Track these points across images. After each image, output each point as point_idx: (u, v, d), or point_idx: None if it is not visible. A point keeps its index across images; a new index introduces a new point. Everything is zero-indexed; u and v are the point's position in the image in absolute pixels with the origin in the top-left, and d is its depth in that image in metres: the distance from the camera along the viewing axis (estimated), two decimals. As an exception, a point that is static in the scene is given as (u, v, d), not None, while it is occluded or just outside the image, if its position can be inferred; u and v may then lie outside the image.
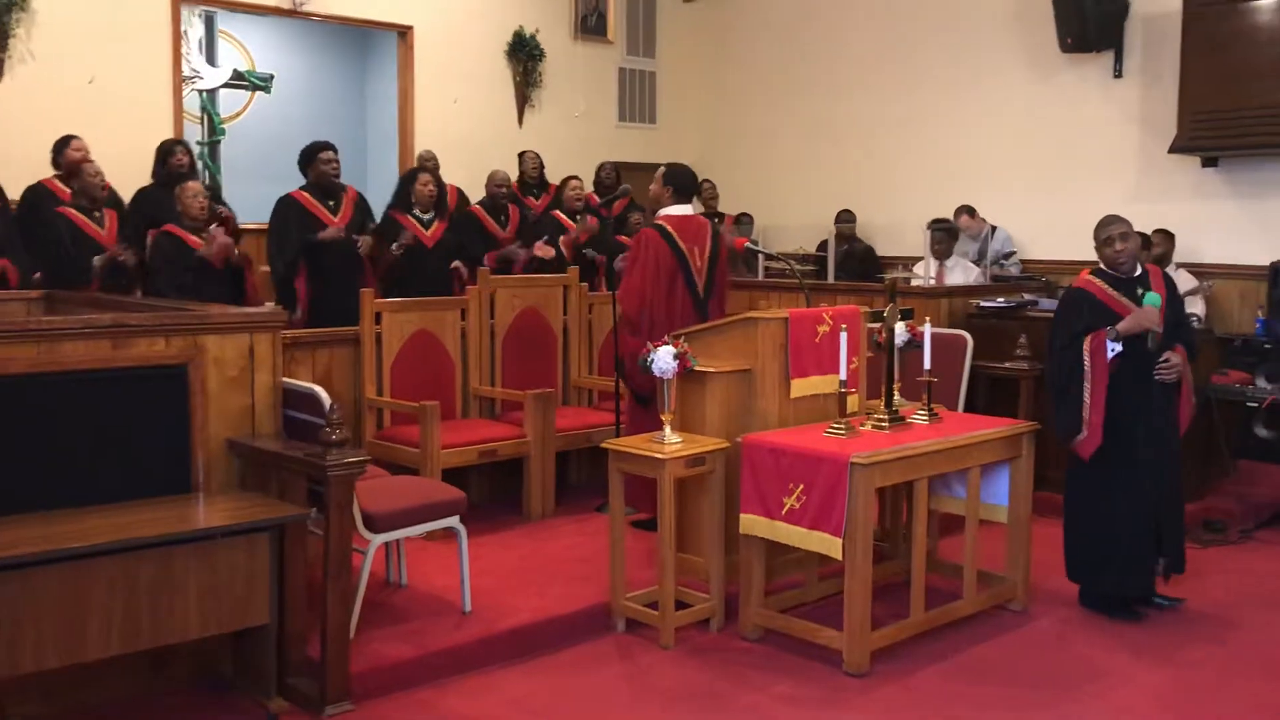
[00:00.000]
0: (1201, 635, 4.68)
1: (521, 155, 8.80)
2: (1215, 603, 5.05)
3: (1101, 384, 4.71)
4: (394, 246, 6.89)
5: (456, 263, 7.14)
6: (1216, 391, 6.34)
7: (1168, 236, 7.63)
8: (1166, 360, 4.74)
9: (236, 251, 6.36)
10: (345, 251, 6.80)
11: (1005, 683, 4.17)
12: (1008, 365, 6.62)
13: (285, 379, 4.34)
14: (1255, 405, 6.08)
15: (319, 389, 4.17)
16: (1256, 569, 5.57)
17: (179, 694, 3.97)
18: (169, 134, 7.90)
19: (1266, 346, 7.23)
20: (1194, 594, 5.10)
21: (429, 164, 8.20)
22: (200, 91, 9.31)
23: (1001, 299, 7.10)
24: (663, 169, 5.77)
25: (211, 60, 9.44)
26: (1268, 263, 7.38)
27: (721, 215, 9.50)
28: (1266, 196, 7.66)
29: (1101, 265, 4.89)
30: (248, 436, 4.15)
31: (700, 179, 9.57)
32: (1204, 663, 4.38)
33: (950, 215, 8.54)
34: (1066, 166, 8.60)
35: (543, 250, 7.46)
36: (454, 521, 4.61)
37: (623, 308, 5.57)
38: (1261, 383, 6.45)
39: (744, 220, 9.80)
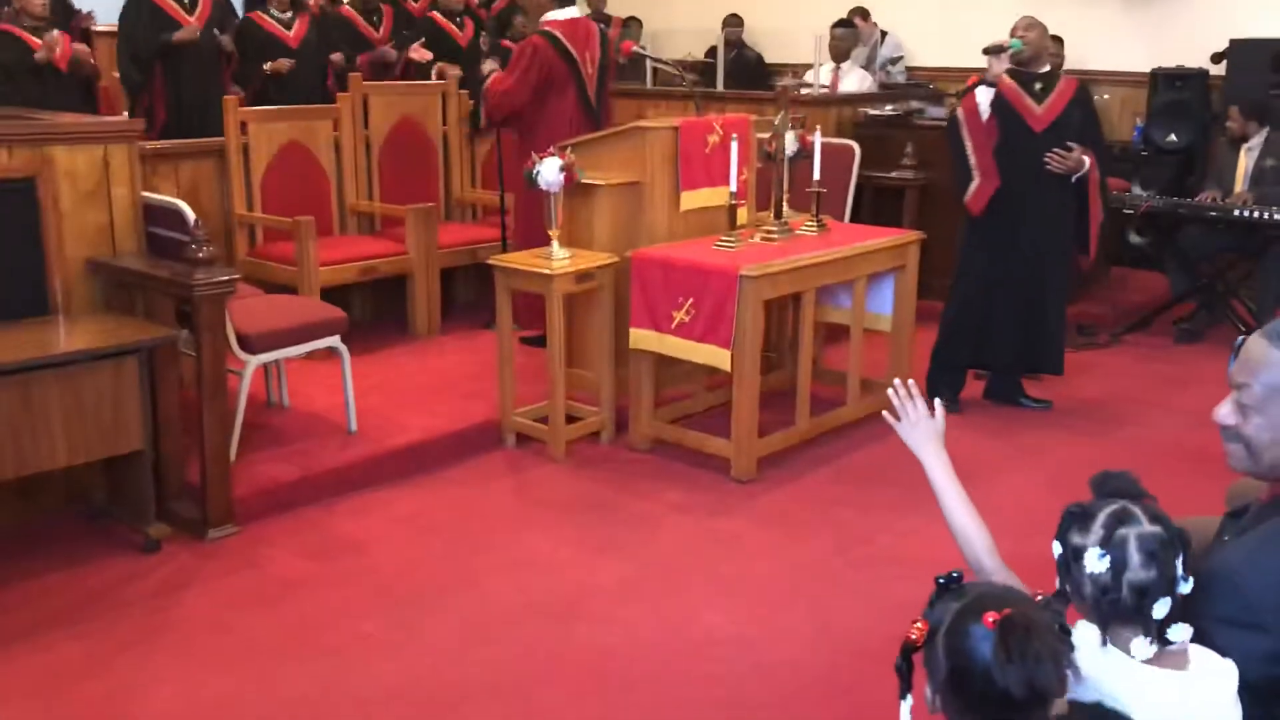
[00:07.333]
0: (1079, 432, 4.88)
1: None
2: (1090, 402, 5.26)
3: (979, 130, 4.84)
4: (266, 67, 6.47)
5: (335, 55, 6.73)
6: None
7: (1058, 42, 7.60)
8: (1059, 152, 4.78)
9: (92, 61, 5.91)
10: (204, 55, 6.34)
11: (889, 485, 4.29)
12: (894, 175, 6.61)
13: (145, 193, 4.07)
14: (1131, 212, 6.20)
15: (182, 204, 3.93)
16: (1128, 370, 5.80)
17: (52, 523, 3.85)
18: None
19: (1144, 154, 7.38)
20: (1069, 394, 5.29)
21: None
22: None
23: (890, 107, 7.03)
24: None
25: None
26: (1149, 70, 7.43)
27: (609, 19, 9.14)
28: (1149, 3, 7.65)
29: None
30: (108, 256, 3.91)
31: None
32: (1081, 456, 4.56)
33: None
34: (955, -29, 8.44)
35: (419, 53, 7.08)
36: (335, 341, 4.47)
37: (486, 105, 5.33)
38: (1137, 189, 6.58)
39: (631, 24, 9.45)
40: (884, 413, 2.13)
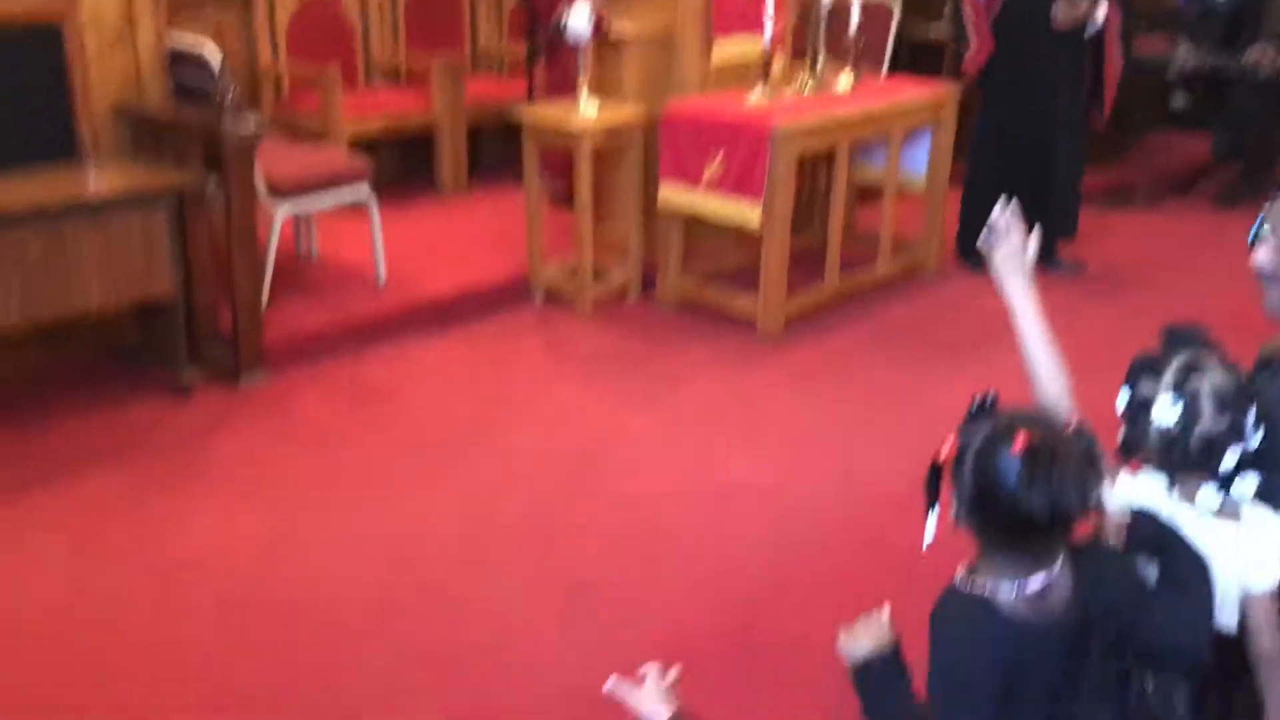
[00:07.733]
0: (1110, 293, 4.83)
1: None
2: (1122, 265, 5.19)
3: None
4: None
5: None
6: (1134, 61, 6.23)
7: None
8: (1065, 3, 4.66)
9: None
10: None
11: (919, 342, 4.28)
12: (933, 35, 6.42)
13: (174, 30, 4.02)
14: (1175, 75, 6.00)
15: (208, 45, 3.87)
16: (1163, 232, 5.71)
17: (88, 369, 3.90)
18: None
19: (1193, 10, 7.09)
20: (1102, 256, 5.23)
21: None
22: None
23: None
24: None
25: None
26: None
27: None
28: None
29: None
30: (135, 101, 3.87)
31: None
32: (1112, 316, 4.52)
33: None
34: None
35: None
36: (363, 190, 4.44)
37: None
38: (1184, 50, 6.36)
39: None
40: (981, 238, 1.93)
